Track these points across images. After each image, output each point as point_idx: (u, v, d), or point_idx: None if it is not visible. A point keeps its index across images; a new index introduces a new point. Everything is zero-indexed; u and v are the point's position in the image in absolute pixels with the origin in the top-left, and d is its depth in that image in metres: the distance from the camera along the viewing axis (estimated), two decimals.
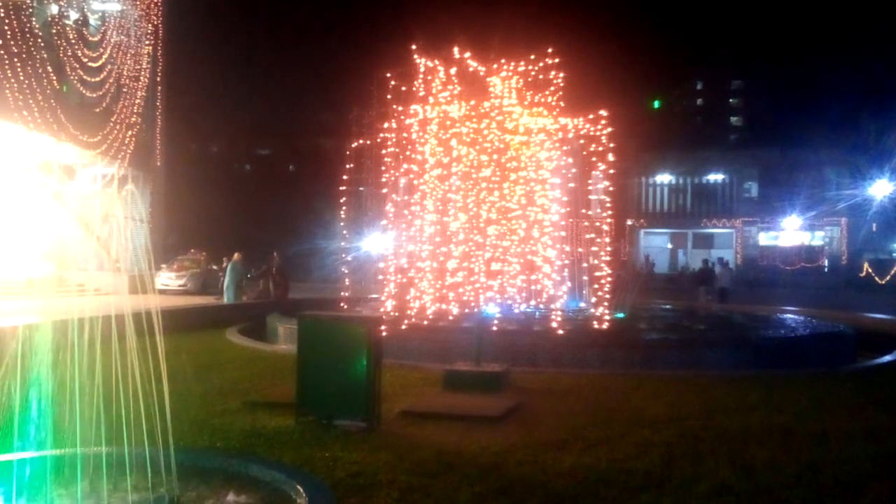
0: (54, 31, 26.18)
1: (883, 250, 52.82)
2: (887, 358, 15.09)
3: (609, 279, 17.51)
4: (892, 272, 45.83)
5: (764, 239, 58.66)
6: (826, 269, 54.73)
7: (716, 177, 59.50)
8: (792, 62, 67.86)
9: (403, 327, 14.82)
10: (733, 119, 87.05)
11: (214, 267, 31.54)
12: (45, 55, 25.09)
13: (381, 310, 16.52)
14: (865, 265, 48.48)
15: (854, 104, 54.28)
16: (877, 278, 45.90)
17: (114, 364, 5.79)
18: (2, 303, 15.93)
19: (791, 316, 21.72)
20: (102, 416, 5.77)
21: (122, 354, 5.77)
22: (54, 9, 26.93)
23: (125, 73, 29.84)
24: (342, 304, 17.47)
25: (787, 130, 58.85)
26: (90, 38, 28.04)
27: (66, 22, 27.16)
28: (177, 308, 20.98)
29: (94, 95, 27.83)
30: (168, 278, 30.38)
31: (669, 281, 45.74)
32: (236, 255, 26.37)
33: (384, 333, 9.67)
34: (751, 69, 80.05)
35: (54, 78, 25.41)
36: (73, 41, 26.77)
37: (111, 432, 5.82)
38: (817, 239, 58.17)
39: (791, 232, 56.71)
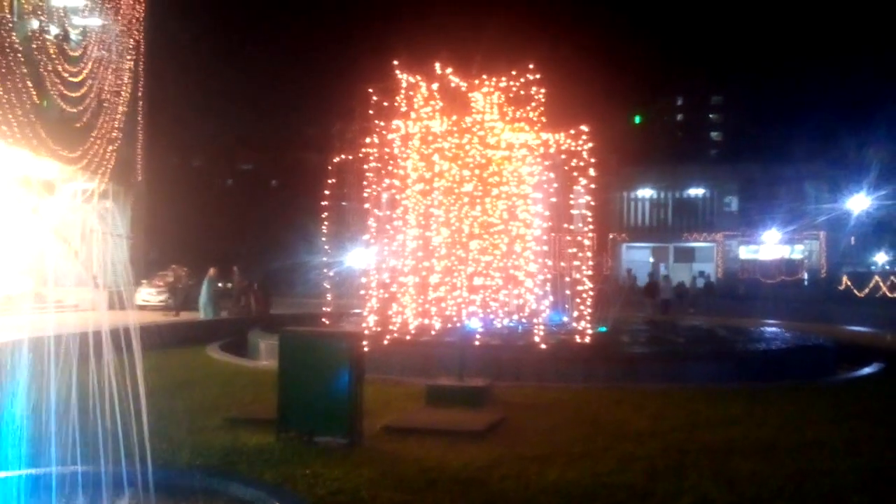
0: (35, 45, 26.01)
1: (861, 263, 53.37)
2: (867, 370, 15.19)
3: (591, 293, 17.53)
4: (871, 285, 46.25)
5: (744, 252, 59.09)
6: (806, 283, 55.18)
7: (696, 191, 59.96)
8: (771, 77, 68.67)
9: (385, 342, 14.74)
10: (713, 134, 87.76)
11: (192, 283, 31.37)
12: (24, 70, 24.91)
13: (364, 325, 16.42)
14: (844, 278, 48.93)
15: (833, 119, 54.98)
16: (855, 291, 46.29)
17: (91, 381, 5.71)
18: None
19: (772, 329, 21.82)
20: (78, 435, 5.68)
21: (100, 372, 5.69)
22: (35, 23, 26.78)
23: (106, 87, 29.68)
24: (324, 320, 17.37)
25: (766, 145, 59.48)
26: (71, 53, 27.88)
27: (47, 37, 27.01)
28: (157, 324, 20.79)
29: (75, 110, 27.65)
30: (149, 294, 30.10)
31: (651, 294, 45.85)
32: (211, 271, 26.23)
33: (366, 349, 9.61)
34: (730, 84, 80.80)
35: (34, 93, 25.24)
36: (54, 56, 26.61)
37: (87, 451, 5.72)
38: (797, 252, 58.67)
39: (771, 246, 57.17)
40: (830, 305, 37.70)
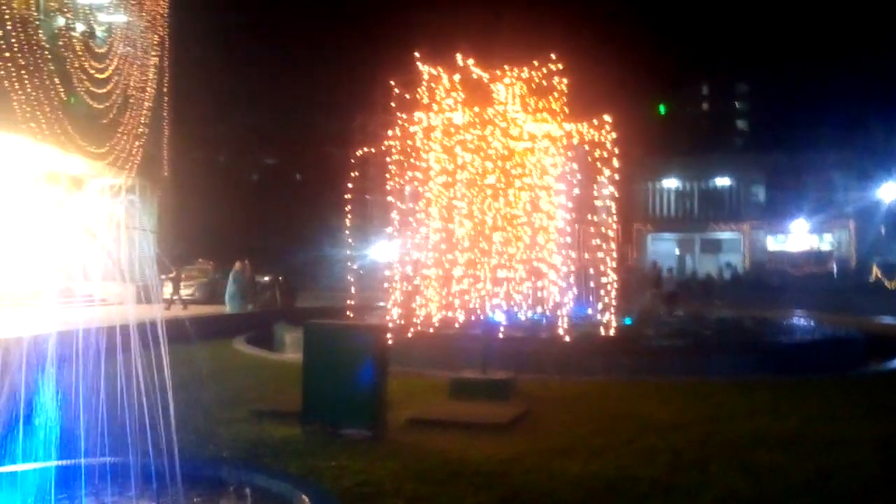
0: (61, 43, 26.31)
1: (892, 254, 52.54)
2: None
3: (615, 285, 17.48)
4: None
5: (772, 243, 58.46)
6: (835, 274, 54.48)
7: (722, 181, 59.36)
8: (797, 65, 67.58)
9: (409, 335, 14.80)
10: (739, 123, 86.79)
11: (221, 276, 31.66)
12: (52, 67, 25.22)
13: (387, 318, 16.50)
14: (875, 269, 48.23)
15: (861, 106, 54.11)
16: (886, 282, 45.64)
17: (119, 374, 5.79)
18: (9, 313, 15.98)
19: (800, 320, 21.63)
20: (107, 427, 5.77)
21: (127, 364, 5.78)
22: (61, 21, 27.08)
23: (132, 84, 29.97)
24: (348, 313, 17.46)
25: (793, 134, 58.64)
26: (97, 50, 28.18)
27: (73, 34, 27.31)
28: (184, 318, 20.99)
29: (101, 106, 27.95)
30: (177, 287, 30.39)
31: (678, 287, 45.55)
32: (238, 265, 26.41)
33: (390, 341, 9.67)
34: (756, 73, 79.70)
35: (62, 90, 25.54)
36: (80, 53, 26.91)
37: (116, 442, 5.82)
38: (826, 243, 57.95)
39: (799, 236, 56.53)
40: (860, 296, 37.22)
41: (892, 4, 50.55)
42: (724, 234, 58.90)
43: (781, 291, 40.18)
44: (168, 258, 30.81)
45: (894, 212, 50.03)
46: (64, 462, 5.77)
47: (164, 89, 33.39)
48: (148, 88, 31.25)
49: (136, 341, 6.02)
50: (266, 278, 30.73)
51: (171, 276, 30.21)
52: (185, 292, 30.20)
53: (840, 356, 15.02)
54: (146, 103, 30.99)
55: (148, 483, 5.79)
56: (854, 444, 8.28)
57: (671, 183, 59.78)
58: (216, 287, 31.09)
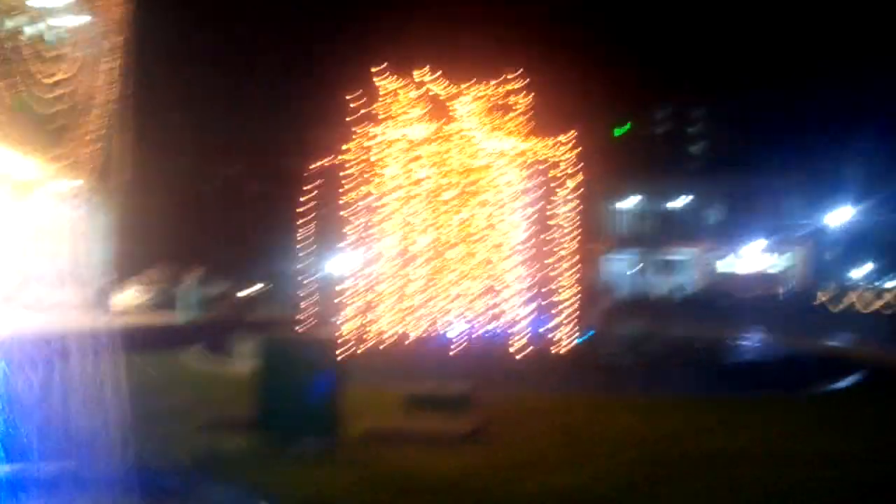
0: (10, 45, 25.85)
1: (838, 279, 53.86)
2: (843, 383, 15.33)
3: (570, 303, 17.63)
4: (847, 300, 46.69)
5: (722, 266, 59.51)
6: (782, 296, 55.65)
7: (677, 203, 60.35)
8: (755, 89, 69.03)
9: (364, 349, 14.76)
10: (694, 146, 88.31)
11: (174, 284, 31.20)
12: (5, 69, 24.74)
13: (342, 332, 16.43)
14: (819, 293, 49.35)
15: (816, 131, 55.39)
16: (830, 306, 46.71)
17: (66, 383, 5.67)
18: None
19: (750, 341, 22.01)
20: (52, 436, 5.64)
21: (75, 373, 5.66)
22: (15, 21, 26.63)
23: (89, 86, 29.53)
24: (303, 326, 17.32)
25: (748, 157, 59.80)
26: (51, 52, 27.73)
27: (25, 36, 26.85)
28: (136, 326, 20.62)
29: (56, 110, 27.48)
30: (130, 295, 29.93)
31: (629, 306, 46.06)
32: (194, 273, 26.11)
33: (345, 354, 9.62)
34: (713, 96, 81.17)
35: (14, 92, 25.05)
36: (35, 54, 26.46)
37: (61, 452, 5.68)
38: (775, 267, 59.19)
39: (749, 259, 57.64)
40: (807, 319, 38.04)
41: (848, 32, 51.97)
42: (677, 256, 59.81)
43: (730, 312, 40.86)
44: (123, 263, 30.26)
45: (842, 238, 51.32)
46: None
47: (123, 93, 32.91)
48: (105, 92, 30.81)
49: (86, 349, 5.91)
50: (220, 289, 30.37)
51: (124, 281, 29.73)
52: (140, 299, 29.74)
53: (791, 375, 15.32)
54: (103, 107, 30.53)
55: (97, 495, 5.67)
56: (804, 461, 8.43)
57: (626, 203, 60.61)
58: (172, 294, 30.66)
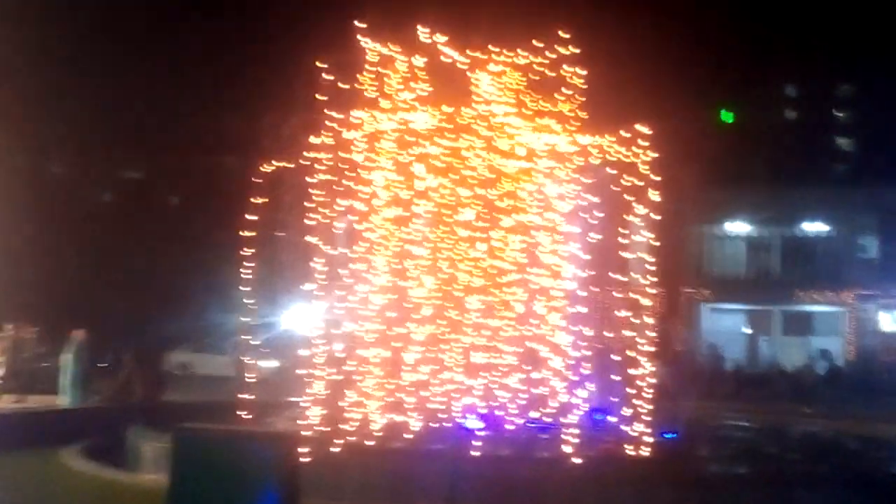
0: None
1: None
2: None
3: (653, 379, 17.55)
4: None
5: (888, 322, 58.95)
6: None
7: (816, 227, 59.97)
8: None
9: (337, 449, 14.70)
10: (842, 141, 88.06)
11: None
12: None
13: (304, 421, 16.41)
14: None
15: None
16: None
17: None
18: None
19: None
20: None
21: None
22: None
23: None
24: (243, 413, 17.30)
25: None
26: None
27: None
28: None
29: None
30: None
31: (746, 383, 45.77)
32: (80, 335, 26.12)
33: (307, 458, 9.59)
34: (868, 68, 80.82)
35: None
36: None
37: None
38: None
39: None
40: None
41: None
42: (818, 307, 59.32)
43: (886, 394, 40.55)
44: None
45: None
46: None
47: None
48: None
49: None
50: (118, 356, 30.41)
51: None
52: None
53: None
54: None
55: None
56: None
57: (739, 228, 60.28)
58: (39, 367, 30.69)
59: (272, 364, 29.46)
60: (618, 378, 17.67)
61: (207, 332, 40.22)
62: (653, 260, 17.99)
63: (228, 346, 30.75)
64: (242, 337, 19.20)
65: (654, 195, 17.59)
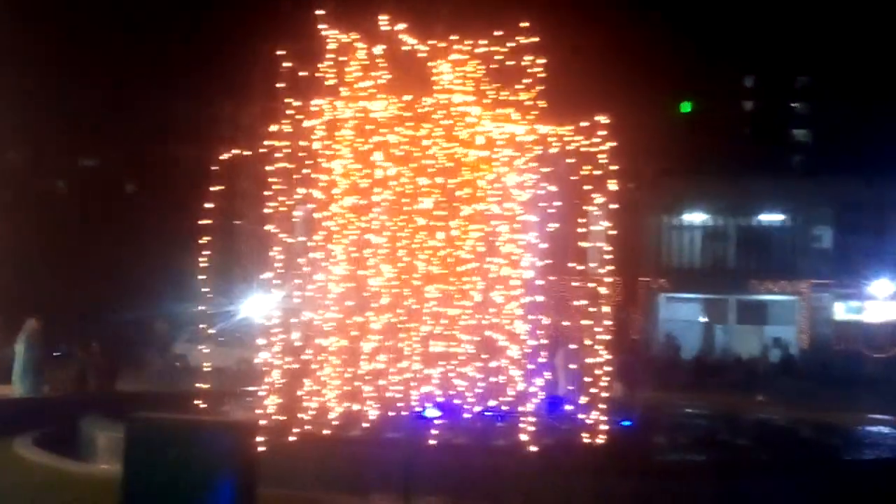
0: None
1: None
2: None
3: (609, 368, 17.60)
4: None
5: (842, 311, 59.32)
6: None
7: (772, 218, 60.28)
8: (884, 52, 69.30)
9: (293, 438, 14.66)
10: (798, 133, 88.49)
11: None
12: None
13: (260, 411, 16.35)
14: None
15: None
16: None
17: None
18: None
19: (884, 428, 21.99)
20: None
21: None
22: None
23: None
24: (198, 402, 17.21)
25: (875, 151, 59.90)
26: None
27: None
28: None
29: None
30: None
31: (702, 371, 46.04)
32: (33, 324, 25.94)
33: (263, 447, 9.55)
34: (825, 60, 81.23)
35: None
36: None
37: None
38: None
39: (882, 302, 57.47)
40: None
41: None
42: (773, 296, 59.67)
43: (855, 383, 40.85)
44: None
45: None
46: None
47: None
48: None
49: None
50: (70, 347, 30.23)
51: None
52: None
53: None
54: None
55: None
56: None
57: (696, 218, 60.54)
58: None
59: (230, 353, 29.45)
60: (574, 366, 17.71)
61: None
62: (610, 249, 18.05)
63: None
64: (199, 326, 19.12)
65: (613, 185, 17.64)
